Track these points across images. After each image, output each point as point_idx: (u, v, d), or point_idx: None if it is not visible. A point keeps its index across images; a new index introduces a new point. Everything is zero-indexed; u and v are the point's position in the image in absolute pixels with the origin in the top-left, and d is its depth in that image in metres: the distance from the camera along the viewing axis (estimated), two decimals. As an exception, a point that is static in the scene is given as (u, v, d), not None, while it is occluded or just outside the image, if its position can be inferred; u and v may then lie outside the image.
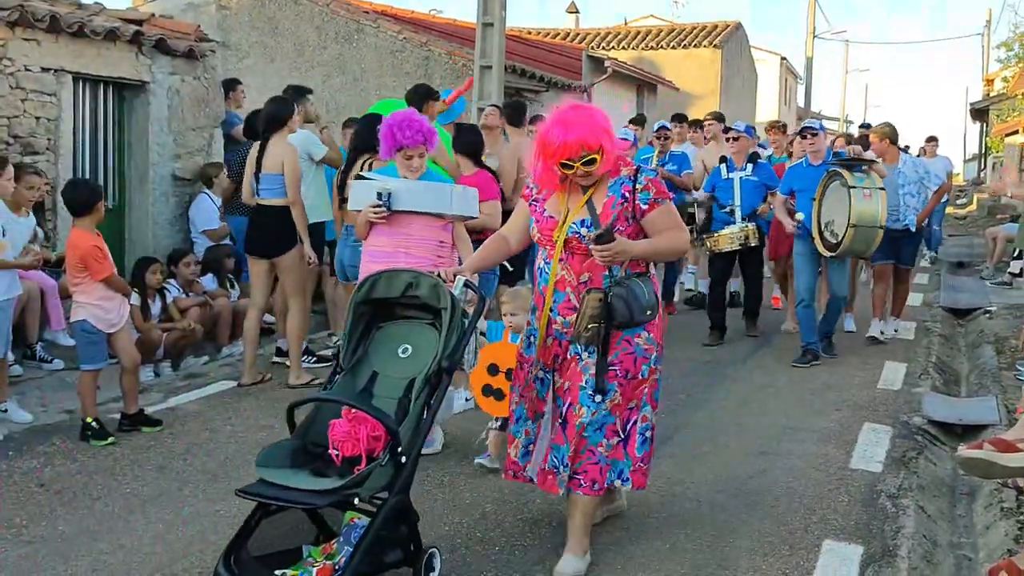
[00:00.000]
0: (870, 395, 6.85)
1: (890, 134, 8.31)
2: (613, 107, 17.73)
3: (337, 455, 3.50)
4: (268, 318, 7.72)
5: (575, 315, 3.78)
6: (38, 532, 4.32)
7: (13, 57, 7.17)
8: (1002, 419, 6.03)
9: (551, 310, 3.88)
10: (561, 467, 3.84)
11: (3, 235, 5.85)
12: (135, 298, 6.70)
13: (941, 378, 7.60)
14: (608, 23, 36.79)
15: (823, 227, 7.62)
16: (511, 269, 6.30)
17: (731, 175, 8.52)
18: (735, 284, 9.72)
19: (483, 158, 6.75)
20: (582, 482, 3.83)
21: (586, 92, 17.35)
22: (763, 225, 8.51)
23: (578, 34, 26.24)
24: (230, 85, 9.54)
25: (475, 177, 6.43)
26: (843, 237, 7.37)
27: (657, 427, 4.11)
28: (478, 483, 4.90)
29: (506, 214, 4.93)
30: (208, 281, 8.11)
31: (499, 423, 4.88)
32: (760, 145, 10.39)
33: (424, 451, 4.35)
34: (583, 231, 3.79)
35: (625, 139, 8.79)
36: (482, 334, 4.99)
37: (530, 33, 23.42)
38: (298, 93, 7.53)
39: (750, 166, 8.52)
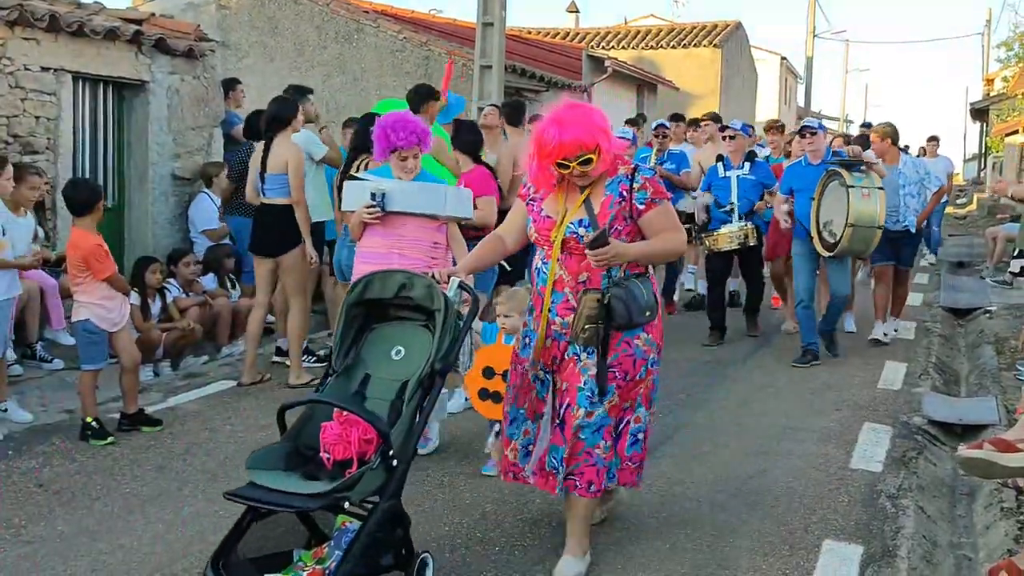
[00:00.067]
0: (870, 395, 6.85)
1: (891, 134, 8.29)
2: (613, 107, 17.73)
3: (328, 458, 3.46)
4: (268, 317, 7.71)
5: (573, 316, 3.75)
6: (37, 532, 4.32)
7: (12, 56, 7.17)
8: (1002, 419, 6.03)
9: (549, 311, 3.85)
10: (560, 468, 3.81)
11: (3, 235, 5.86)
12: (135, 298, 6.70)
13: (941, 378, 7.59)
14: (608, 23, 36.85)
15: (821, 227, 7.60)
16: (509, 269, 6.30)
17: (728, 174, 8.48)
18: (734, 284, 9.71)
19: (482, 156, 6.75)
20: (578, 484, 3.79)
21: (586, 92, 17.34)
22: (761, 225, 8.49)
23: (578, 34, 26.24)
24: (230, 85, 9.54)
25: (472, 173, 6.42)
26: (841, 237, 7.35)
27: (657, 427, 4.12)
28: (478, 483, 4.89)
29: (503, 214, 4.91)
30: (208, 281, 8.11)
31: (498, 427, 4.87)
32: (759, 145, 10.38)
33: (420, 451, 4.34)
34: (581, 231, 3.75)
35: (624, 138, 8.77)
36: (478, 334, 4.98)
37: (530, 33, 23.41)
38: (299, 93, 7.54)
39: (747, 165, 8.49)
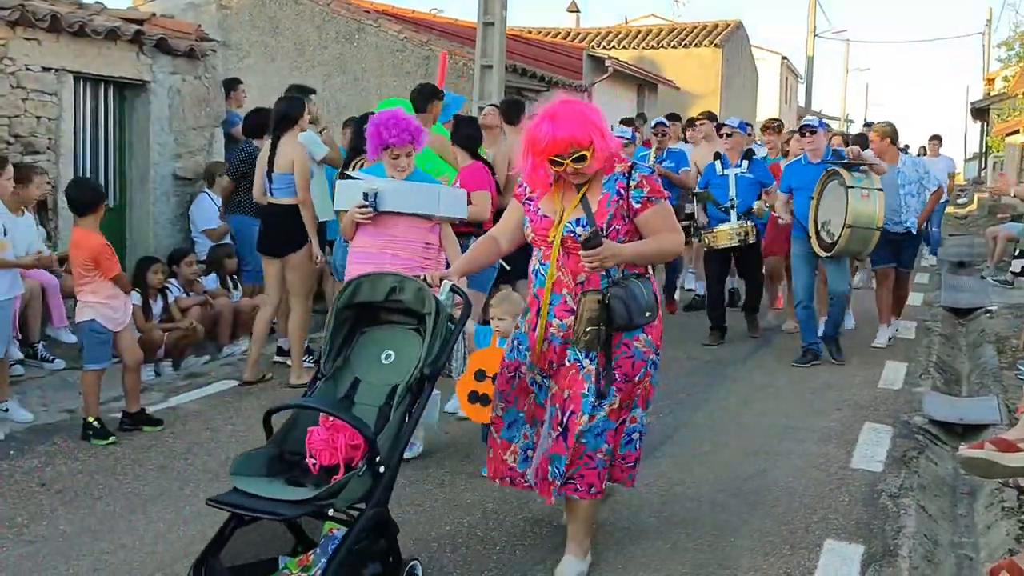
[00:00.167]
0: (871, 395, 6.85)
1: (890, 133, 8.27)
2: (614, 107, 17.73)
3: (314, 464, 3.39)
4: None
5: (572, 317, 3.68)
6: (39, 531, 4.32)
7: (14, 56, 7.17)
8: (1003, 419, 6.03)
9: (547, 313, 3.77)
10: (559, 477, 3.73)
11: (4, 235, 5.86)
12: (136, 298, 6.72)
13: (942, 378, 7.59)
14: (609, 22, 36.89)
15: (820, 227, 7.59)
16: (509, 268, 6.26)
17: (726, 172, 8.44)
18: (732, 282, 9.68)
19: (482, 154, 6.74)
20: (579, 487, 3.74)
21: (587, 91, 17.34)
22: (758, 224, 8.45)
23: (579, 33, 26.23)
24: (231, 85, 9.55)
25: (469, 168, 6.40)
26: (839, 237, 7.32)
27: (657, 427, 4.11)
28: (479, 482, 4.89)
29: (499, 213, 4.85)
30: (210, 281, 8.11)
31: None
32: (756, 144, 10.35)
33: (405, 455, 4.29)
34: (579, 230, 3.67)
35: (623, 138, 8.76)
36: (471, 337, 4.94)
37: (531, 32, 23.41)
38: (301, 93, 7.54)
39: (745, 163, 8.45)
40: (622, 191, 3.71)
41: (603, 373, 3.69)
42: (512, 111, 8.57)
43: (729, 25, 25.95)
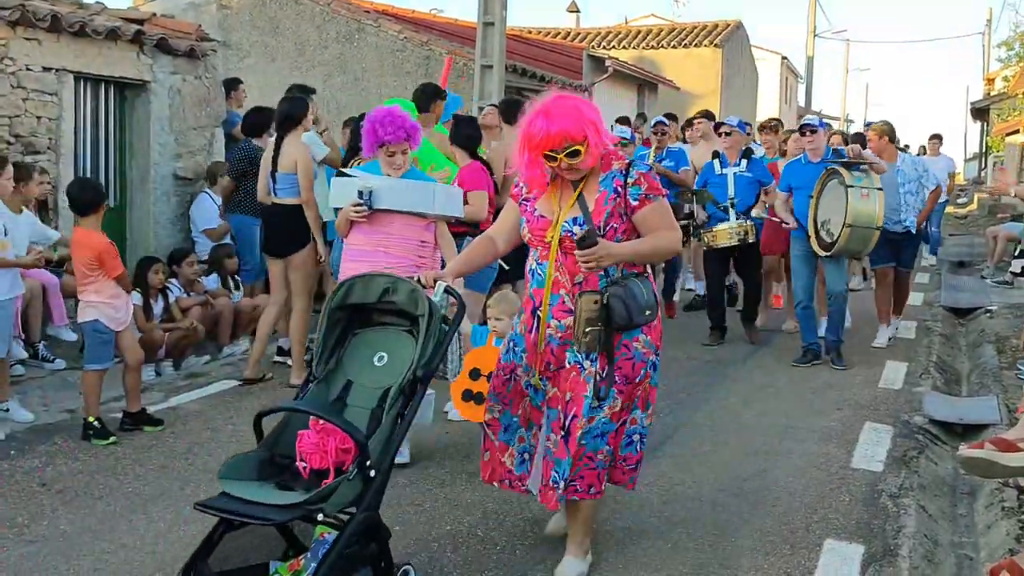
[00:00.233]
0: (871, 394, 6.85)
1: (888, 132, 8.26)
2: (614, 107, 17.72)
3: (305, 467, 3.34)
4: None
5: (570, 318, 3.63)
6: (40, 531, 4.32)
7: (14, 56, 7.18)
8: (1003, 418, 6.03)
9: (547, 313, 3.72)
10: (561, 482, 3.69)
11: (5, 235, 5.86)
12: (137, 298, 6.72)
13: (942, 377, 7.60)
14: (609, 22, 36.90)
15: (819, 226, 7.58)
16: (507, 268, 6.24)
17: (725, 171, 8.39)
18: (730, 278, 9.63)
19: (482, 154, 6.73)
20: (579, 488, 3.71)
21: (587, 91, 17.34)
22: (757, 224, 8.43)
23: (579, 33, 26.24)
24: (231, 84, 9.55)
25: (467, 168, 6.39)
26: (839, 237, 7.31)
27: (657, 427, 4.09)
28: (479, 482, 4.83)
29: (497, 213, 4.81)
30: (211, 281, 8.12)
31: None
32: (755, 144, 10.33)
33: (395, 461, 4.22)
34: (576, 229, 3.62)
35: (622, 137, 8.74)
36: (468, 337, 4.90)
37: (531, 32, 23.42)
38: (303, 92, 7.54)
39: (744, 162, 8.41)
40: (619, 189, 3.66)
41: (603, 374, 3.65)
42: (509, 110, 8.56)
43: (729, 25, 25.95)
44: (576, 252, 3.54)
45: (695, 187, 8.81)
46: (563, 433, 3.71)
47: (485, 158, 6.96)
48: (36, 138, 7.40)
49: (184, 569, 3.27)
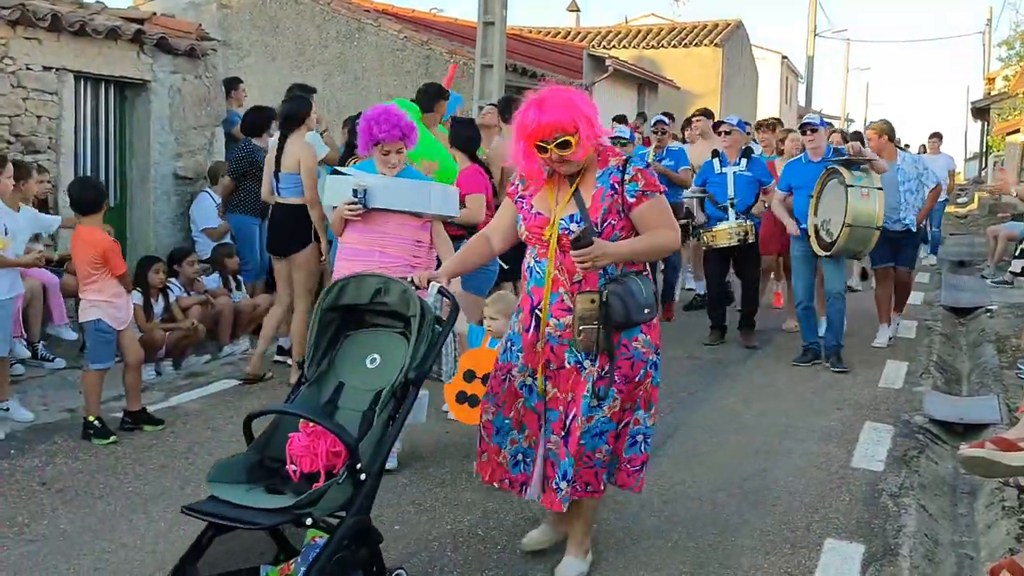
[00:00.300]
0: (871, 394, 6.85)
1: (887, 131, 8.25)
2: (614, 106, 17.72)
3: (295, 471, 3.29)
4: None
5: (570, 317, 3.60)
6: (40, 531, 4.32)
7: (14, 56, 7.17)
8: (1003, 418, 6.03)
9: (546, 312, 3.69)
10: (564, 484, 3.67)
11: (5, 234, 5.86)
12: (138, 297, 6.72)
13: (942, 377, 7.60)
14: (609, 22, 36.89)
15: (819, 225, 7.57)
16: (507, 268, 6.22)
17: (724, 170, 8.36)
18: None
19: (481, 154, 6.72)
20: (577, 486, 3.70)
21: (587, 91, 17.33)
22: (755, 223, 8.41)
23: (579, 33, 26.23)
24: (231, 84, 9.55)
25: (465, 171, 6.38)
26: (838, 236, 7.30)
27: (657, 427, 4.05)
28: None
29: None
30: (211, 280, 8.12)
31: None
32: (753, 142, 10.31)
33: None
34: (572, 227, 3.60)
35: (621, 136, 8.73)
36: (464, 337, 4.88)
37: (531, 32, 23.41)
38: (303, 92, 7.54)
39: (744, 161, 8.37)
40: (616, 185, 3.63)
41: (603, 373, 3.62)
42: (507, 109, 8.55)
43: (729, 24, 25.94)
44: (572, 252, 3.52)
45: (693, 185, 8.79)
46: (563, 433, 3.70)
47: (484, 159, 6.96)
48: (36, 137, 7.40)
49: (173, 573, 3.24)
